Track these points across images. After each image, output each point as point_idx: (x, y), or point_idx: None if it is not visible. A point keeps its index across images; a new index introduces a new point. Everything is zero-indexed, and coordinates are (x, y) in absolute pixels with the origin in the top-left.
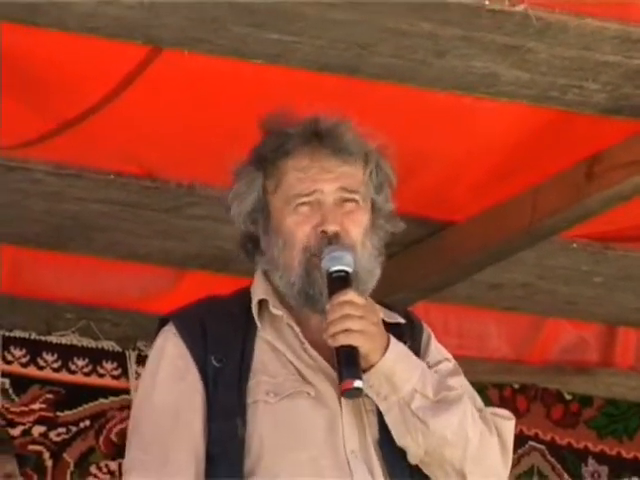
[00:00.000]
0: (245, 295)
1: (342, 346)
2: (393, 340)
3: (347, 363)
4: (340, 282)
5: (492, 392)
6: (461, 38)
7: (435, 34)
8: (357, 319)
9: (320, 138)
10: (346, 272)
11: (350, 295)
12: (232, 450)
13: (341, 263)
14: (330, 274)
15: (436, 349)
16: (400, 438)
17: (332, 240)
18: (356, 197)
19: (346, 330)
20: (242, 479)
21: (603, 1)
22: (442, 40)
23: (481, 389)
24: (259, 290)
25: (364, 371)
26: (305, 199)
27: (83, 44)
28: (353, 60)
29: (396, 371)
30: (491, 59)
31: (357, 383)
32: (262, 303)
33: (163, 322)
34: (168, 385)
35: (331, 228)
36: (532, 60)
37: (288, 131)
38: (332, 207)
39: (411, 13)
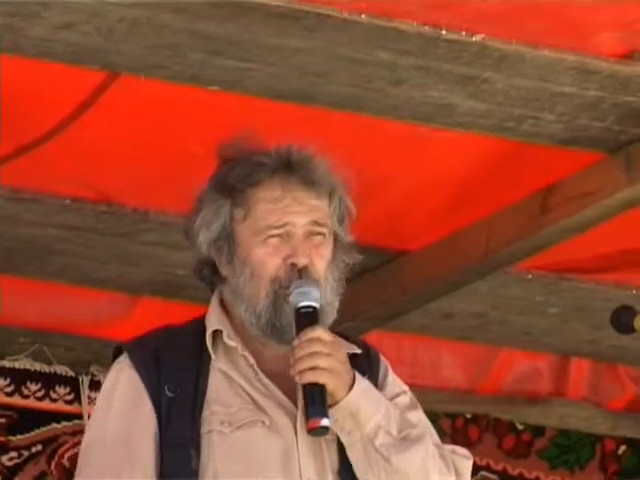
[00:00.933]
0: (199, 324)
1: (309, 383)
2: (358, 377)
3: (314, 401)
4: (308, 318)
5: (444, 422)
6: (418, 68)
7: (392, 63)
8: (325, 357)
9: (290, 169)
10: (314, 308)
11: (318, 332)
12: None
13: (309, 298)
14: (298, 310)
15: (393, 382)
16: (362, 473)
17: (302, 273)
18: (324, 231)
19: (313, 368)
20: None
21: (560, 33)
22: (399, 69)
23: (433, 419)
24: (213, 319)
25: (329, 407)
26: (276, 231)
27: (40, 69)
28: (309, 88)
29: (360, 408)
30: (448, 89)
31: (324, 422)
32: (216, 333)
33: (117, 352)
34: (121, 417)
35: (302, 261)
36: (488, 90)
37: (258, 160)
38: (302, 240)
39: (368, 42)
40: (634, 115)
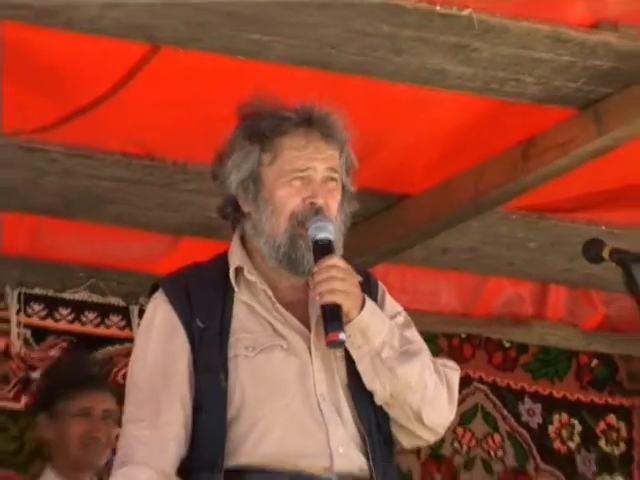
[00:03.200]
0: (222, 261)
1: (327, 303)
2: (367, 299)
3: (332, 318)
4: (325, 248)
5: (442, 341)
6: (416, 38)
7: (394, 35)
8: (341, 280)
9: (312, 123)
10: (329, 240)
11: (335, 260)
12: (217, 400)
13: (325, 232)
14: (316, 242)
15: (390, 303)
16: (369, 382)
17: (318, 211)
18: (337, 177)
19: (331, 290)
20: (226, 425)
21: (537, 6)
22: (400, 40)
23: (433, 338)
24: (235, 257)
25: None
26: (300, 174)
27: (92, 42)
28: (324, 57)
29: (370, 326)
30: (441, 56)
31: (342, 336)
32: (238, 269)
33: (154, 288)
34: (159, 347)
35: (319, 201)
36: (476, 57)
37: (285, 114)
38: (319, 184)
39: (373, 17)
40: (601, 76)
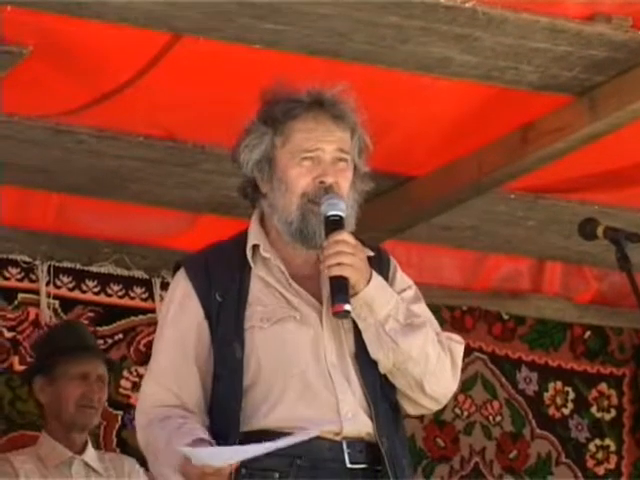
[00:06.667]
0: (242, 239)
1: (335, 276)
2: (374, 274)
3: (339, 290)
4: (335, 224)
5: (445, 313)
6: (421, 28)
7: (400, 25)
8: (349, 255)
9: (322, 106)
10: (340, 216)
11: (344, 235)
12: (234, 369)
13: (337, 209)
14: (327, 217)
15: (401, 278)
16: (374, 352)
17: (328, 190)
18: (347, 157)
19: (339, 263)
20: (242, 392)
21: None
22: (406, 30)
23: (436, 310)
24: (253, 235)
25: (350, 297)
26: (309, 154)
27: (119, 32)
28: (334, 46)
29: (375, 299)
30: (445, 46)
31: (347, 307)
32: (255, 247)
33: (176, 267)
34: (174, 319)
35: (329, 180)
36: (478, 47)
37: (296, 98)
38: (329, 164)
39: (381, 8)
40: (596, 65)
